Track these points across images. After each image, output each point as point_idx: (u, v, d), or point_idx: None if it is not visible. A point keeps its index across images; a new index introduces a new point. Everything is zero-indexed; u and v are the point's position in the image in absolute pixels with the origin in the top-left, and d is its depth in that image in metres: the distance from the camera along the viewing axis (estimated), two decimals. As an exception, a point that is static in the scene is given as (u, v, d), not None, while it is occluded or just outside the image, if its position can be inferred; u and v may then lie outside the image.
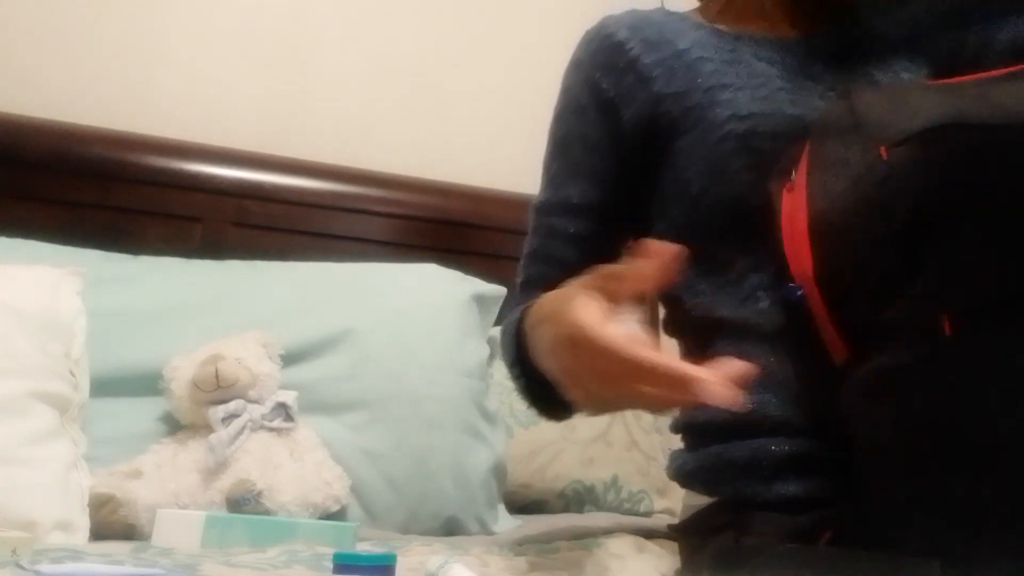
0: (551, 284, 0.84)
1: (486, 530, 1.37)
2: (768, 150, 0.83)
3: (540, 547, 1.01)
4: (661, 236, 0.94)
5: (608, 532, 1.03)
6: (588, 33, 1.01)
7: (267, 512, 1.14)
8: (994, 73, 0.71)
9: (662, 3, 1.02)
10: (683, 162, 0.90)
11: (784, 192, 0.78)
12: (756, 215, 0.81)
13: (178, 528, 0.99)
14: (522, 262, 1.01)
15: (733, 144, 0.85)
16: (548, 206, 1.00)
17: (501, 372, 1.42)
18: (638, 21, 0.97)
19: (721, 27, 0.95)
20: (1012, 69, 0.70)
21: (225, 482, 1.15)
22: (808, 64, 0.90)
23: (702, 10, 1.00)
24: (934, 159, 0.65)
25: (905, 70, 0.91)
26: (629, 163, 0.95)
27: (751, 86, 0.87)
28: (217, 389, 1.23)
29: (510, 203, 1.75)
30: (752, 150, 0.84)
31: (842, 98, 0.76)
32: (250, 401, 1.24)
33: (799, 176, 0.76)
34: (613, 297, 0.65)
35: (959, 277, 0.64)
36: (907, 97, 0.72)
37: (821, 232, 0.73)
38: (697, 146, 0.88)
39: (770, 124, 0.84)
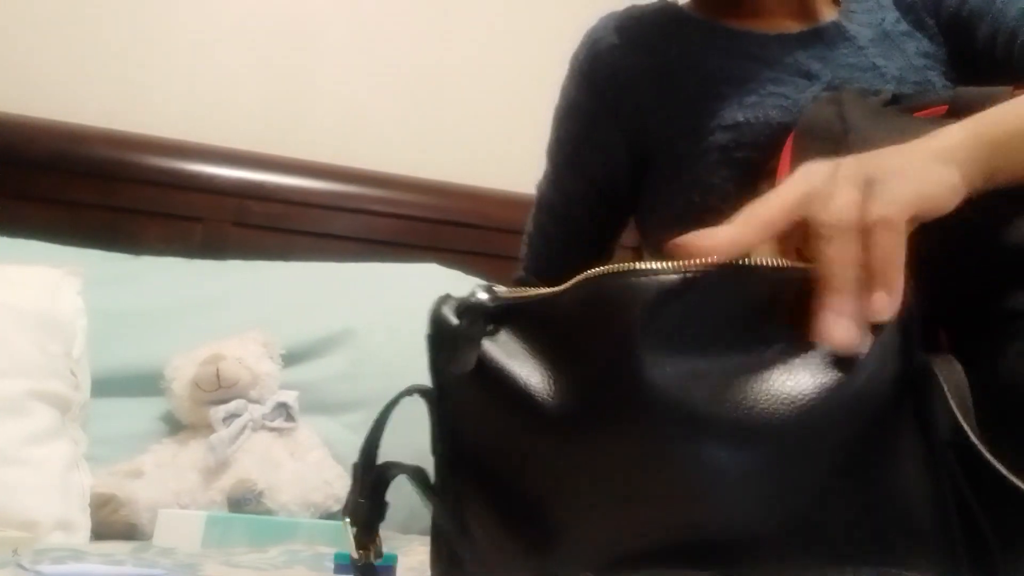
0: (539, 269, 1.00)
1: (486, 529, 1.37)
2: (751, 161, 0.82)
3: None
4: (647, 251, 0.95)
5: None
6: (586, 35, 1.01)
7: (268, 512, 1.14)
8: None
9: None
10: (668, 173, 0.90)
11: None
12: None
13: (179, 528, 0.99)
14: (523, 238, 1.05)
15: (716, 156, 0.85)
16: (542, 202, 1.03)
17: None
18: (632, 23, 0.97)
19: (719, 23, 0.94)
20: None
21: (226, 482, 1.15)
22: (808, 60, 0.89)
23: (700, 4, 0.98)
24: None
25: (919, 54, 0.90)
26: (619, 171, 0.96)
27: (740, 93, 0.86)
28: (218, 389, 1.23)
29: (510, 203, 1.75)
30: (734, 161, 0.84)
31: (831, 103, 0.75)
32: (251, 401, 1.24)
33: (781, 177, 0.75)
34: None
35: (953, 290, 0.63)
36: (903, 122, 0.71)
37: None
38: (681, 157, 0.88)
39: (754, 134, 0.84)
